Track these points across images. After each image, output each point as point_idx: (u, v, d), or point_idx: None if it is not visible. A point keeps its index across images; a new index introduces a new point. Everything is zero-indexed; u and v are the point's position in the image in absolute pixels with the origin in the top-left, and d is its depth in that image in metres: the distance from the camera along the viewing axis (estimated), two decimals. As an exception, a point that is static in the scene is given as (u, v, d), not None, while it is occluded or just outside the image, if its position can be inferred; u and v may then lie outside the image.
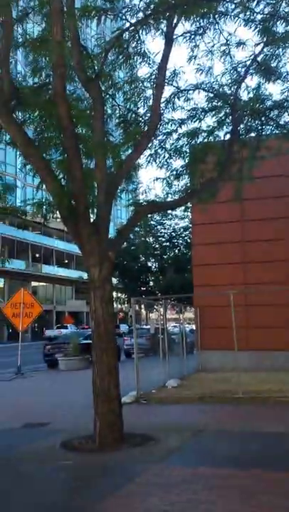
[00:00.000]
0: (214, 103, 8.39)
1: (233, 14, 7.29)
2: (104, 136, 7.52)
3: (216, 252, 16.49)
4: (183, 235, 35.95)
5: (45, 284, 58.74)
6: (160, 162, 8.68)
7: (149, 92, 8.09)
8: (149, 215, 23.09)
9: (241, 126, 8.60)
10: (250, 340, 14.72)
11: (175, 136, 8.64)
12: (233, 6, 7.18)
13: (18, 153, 7.96)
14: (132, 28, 7.18)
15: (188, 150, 8.80)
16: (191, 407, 9.74)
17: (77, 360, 19.33)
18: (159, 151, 8.64)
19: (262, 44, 7.61)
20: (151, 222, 34.08)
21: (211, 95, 8.34)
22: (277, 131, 8.79)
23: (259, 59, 7.86)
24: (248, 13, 7.18)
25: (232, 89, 8.29)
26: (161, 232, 36.97)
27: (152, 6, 6.81)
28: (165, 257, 36.74)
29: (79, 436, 7.10)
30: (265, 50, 7.73)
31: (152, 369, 12.61)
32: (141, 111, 8.40)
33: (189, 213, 23.96)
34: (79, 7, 6.86)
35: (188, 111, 8.43)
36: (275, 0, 7.06)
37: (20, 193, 41.01)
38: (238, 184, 9.12)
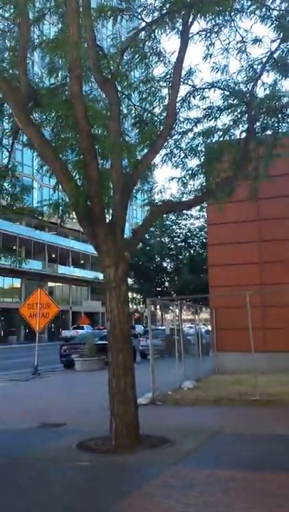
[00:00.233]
0: (230, 101, 8.32)
1: (248, 11, 7.24)
2: (120, 136, 7.50)
3: (232, 252, 16.34)
4: (198, 235, 35.78)
5: (61, 284, 59.07)
6: (175, 161, 8.64)
7: (165, 92, 8.07)
8: (165, 215, 23.15)
9: (257, 124, 8.51)
10: (267, 341, 14.55)
11: (190, 135, 8.60)
12: (249, 3, 7.13)
13: (35, 154, 7.98)
14: (148, 27, 7.16)
15: (203, 149, 8.75)
16: (207, 409, 9.67)
17: (93, 361, 19.35)
18: (174, 150, 8.60)
19: (278, 40, 7.53)
20: (167, 222, 34.00)
21: (227, 93, 8.27)
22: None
23: (275, 56, 7.77)
24: (263, 9, 7.11)
25: (248, 86, 8.22)
26: (176, 232, 36.84)
27: (168, 5, 6.78)
28: (180, 257, 36.60)
29: (95, 437, 7.09)
30: (281, 46, 7.64)
31: (168, 370, 12.55)
32: (156, 110, 8.39)
33: (205, 213, 23.87)
34: (95, 7, 6.87)
35: (204, 109, 8.38)
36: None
37: (37, 193, 41.29)
38: (254, 183, 9.03)
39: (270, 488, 4.89)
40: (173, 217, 34.37)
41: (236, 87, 8.25)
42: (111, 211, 7.57)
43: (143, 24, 7.30)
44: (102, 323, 52.54)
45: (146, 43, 7.54)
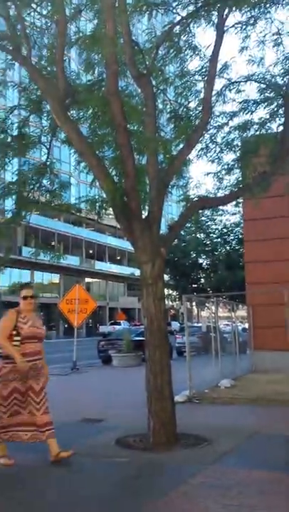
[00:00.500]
0: (266, 94, 8.15)
1: (284, 2, 7.10)
2: (155, 131, 7.46)
3: (269, 248, 16.02)
4: (234, 231, 35.38)
5: (98, 280, 59.71)
6: (211, 156, 8.53)
7: (200, 86, 7.97)
8: (200, 211, 22.96)
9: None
10: (307, 339, 14.22)
11: (226, 129, 8.48)
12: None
13: (72, 151, 8.04)
14: (183, 21, 7.08)
15: (239, 143, 8.60)
16: (244, 409, 9.53)
17: (130, 357, 19.47)
18: (210, 145, 8.49)
19: (316, 31, 7.31)
20: (202, 218, 33.71)
21: (263, 86, 8.10)
22: None
23: (314, 47, 7.55)
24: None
25: (284, 79, 8.03)
26: (212, 228, 36.55)
27: (203, -2, 6.68)
28: (216, 253, 36.31)
29: (133, 433, 7.10)
30: None
31: (204, 368, 12.45)
32: (192, 105, 8.30)
33: (240, 208, 23.54)
34: (130, 2, 6.84)
35: (240, 103, 8.24)
36: None
37: (74, 190, 41.80)
38: (292, 177, 8.80)
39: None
40: (208, 213, 34.09)
41: (272, 80, 8.07)
42: (147, 207, 7.55)
43: (178, 18, 7.23)
44: (139, 319, 52.84)
45: (182, 37, 7.47)
